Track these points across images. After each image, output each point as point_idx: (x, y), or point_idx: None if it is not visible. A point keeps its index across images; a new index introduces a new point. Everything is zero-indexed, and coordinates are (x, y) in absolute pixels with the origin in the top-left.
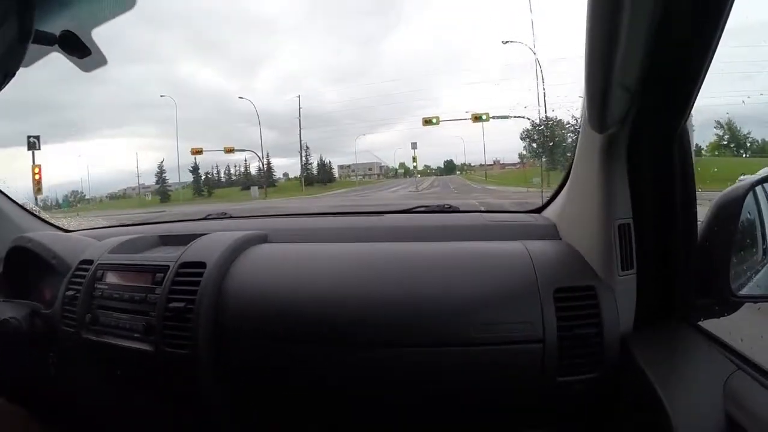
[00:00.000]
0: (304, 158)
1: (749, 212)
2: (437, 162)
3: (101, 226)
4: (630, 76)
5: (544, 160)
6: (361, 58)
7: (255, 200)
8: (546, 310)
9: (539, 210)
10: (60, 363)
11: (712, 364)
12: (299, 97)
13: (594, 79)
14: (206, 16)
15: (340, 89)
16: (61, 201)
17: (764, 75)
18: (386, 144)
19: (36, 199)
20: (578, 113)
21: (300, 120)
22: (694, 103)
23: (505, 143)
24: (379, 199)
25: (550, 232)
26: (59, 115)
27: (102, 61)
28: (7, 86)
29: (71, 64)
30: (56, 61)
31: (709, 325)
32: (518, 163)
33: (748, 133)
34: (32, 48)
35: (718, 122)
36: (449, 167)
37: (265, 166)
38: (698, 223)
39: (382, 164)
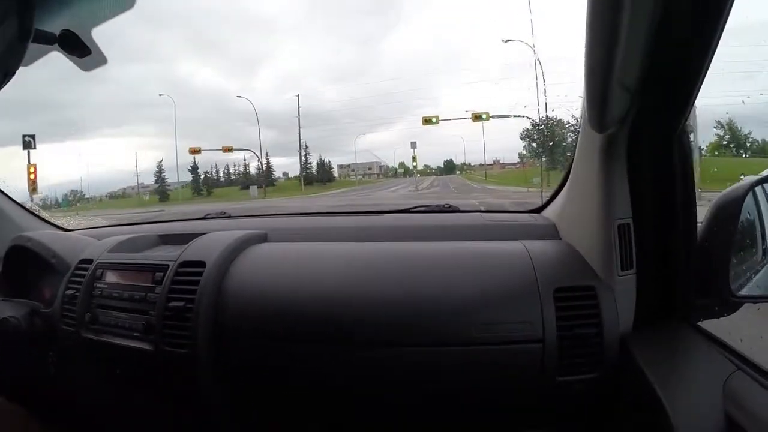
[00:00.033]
0: (303, 157)
1: (749, 212)
2: (437, 161)
3: (101, 225)
4: (630, 76)
5: (543, 159)
6: (360, 58)
7: (253, 200)
8: (546, 309)
9: (539, 210)
10: (59, 362)
11: (712, 364)
12: (298, 96)
13: (594, 78)
14: (205, 15)
15: (339, 88)
16: (60, 200)
17: (765, 74)
18: (386, 143)
19: (31, 198)
20: (578, 113)
21: (299, 119)
22: (693, 103)
23: (504, 143)
24: (378, 198)
25: (550, 232)
26: (59, 114)
27: (102, 61)
28: (7, 85)
29: (71, 64)
30: (56, 60)
31: (709, 325)
32: (518, 162)
33: (749, 133)
34: (32, 47)
35: (719, 122)
36: (449, 167)
37: (264, 165)
38: (698, 223)
39: (382, 164)
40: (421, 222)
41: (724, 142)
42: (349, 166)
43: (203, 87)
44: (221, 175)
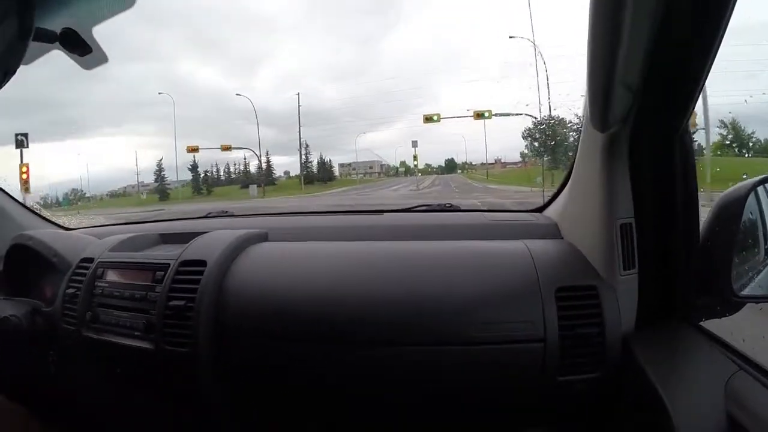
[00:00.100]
0: (304, 156)
1: (751, 212)
2: (438, 160)
3: (102, 224)
4: (632, 75)
5: (545, 159)
6: (360, 56)
7: (252, 199)
8: (547, 309)
9: (541, 209)
10: (60, 361)
11: (714, 364)
12: (299, 94)
13: (596, 77)
14: (206, 14)
15: (340, 87)
16: (61, 199)
17: (767, 74)
18: (387, 142)
19: (24, 198)
20: (580, 112)
21: (299, 118)
22: (696, 102)
23: (506, 142)
24: (378, 198)
25: (552, 232)
26: (59, 113)
27: (103, 59)
28: (7, 84)
29: (72, 62)
30: (57, 58)
31: (711, 325)
32: (520, 161)
33: (752, 132)
34: (33, 45)
35: (722, 121)
36: (450, 166)
37: (264, 164)
38: (700, 223)
39: (383, 162)
40: (422, 221)
41: (727, 142)
42: (350, 164)
43: (203, 86)
44: (221, 174)
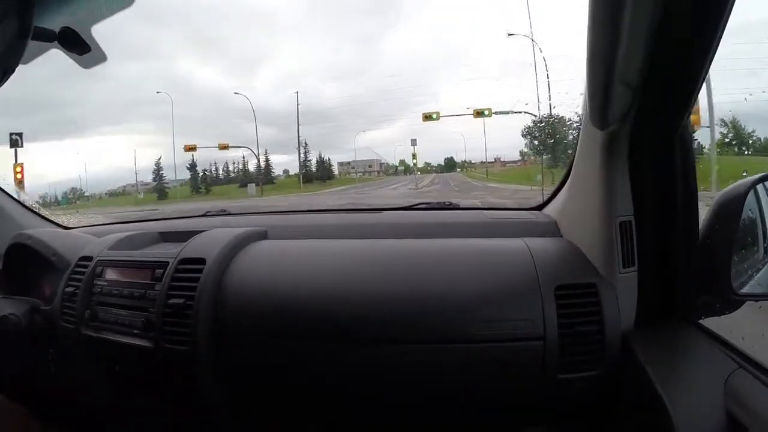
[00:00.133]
0: (303, 155)
1: (750, 210)
2: (438, 159)
3: (101, 223)
4: (631, 73)
5: (544, 157)
6: (360, 55)
7: (250, 198)
8: (547, 307)
9: (540, 207)
10: (59, 359)
11: (713, 362)
12: (297, 93)
13: (595, 75)
14: (205, 13)
15: (339, 86)
16: (60, 198)
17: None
18: (386, 141)
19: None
20: (580, 110)
21: (298, 116)
22: (695, 100)
23: (505, 140)
24: (376, 197)
25: (551, 230)
26: (58, 112)
27: (101, 58)
28: (6, 83)
29: (71, 61)
30: (55, 57)
31: (710, 323)
32: (519, 160)
33: (753, 131)
34: (32, 44)
35: (722, 120)
36: (450, 164)
37: (262, 163)
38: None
39: (382, 161)
40: (422, 219)
41: (727, 140)
42: (349, 163)
43: (203, 85)
44: (220, 173)
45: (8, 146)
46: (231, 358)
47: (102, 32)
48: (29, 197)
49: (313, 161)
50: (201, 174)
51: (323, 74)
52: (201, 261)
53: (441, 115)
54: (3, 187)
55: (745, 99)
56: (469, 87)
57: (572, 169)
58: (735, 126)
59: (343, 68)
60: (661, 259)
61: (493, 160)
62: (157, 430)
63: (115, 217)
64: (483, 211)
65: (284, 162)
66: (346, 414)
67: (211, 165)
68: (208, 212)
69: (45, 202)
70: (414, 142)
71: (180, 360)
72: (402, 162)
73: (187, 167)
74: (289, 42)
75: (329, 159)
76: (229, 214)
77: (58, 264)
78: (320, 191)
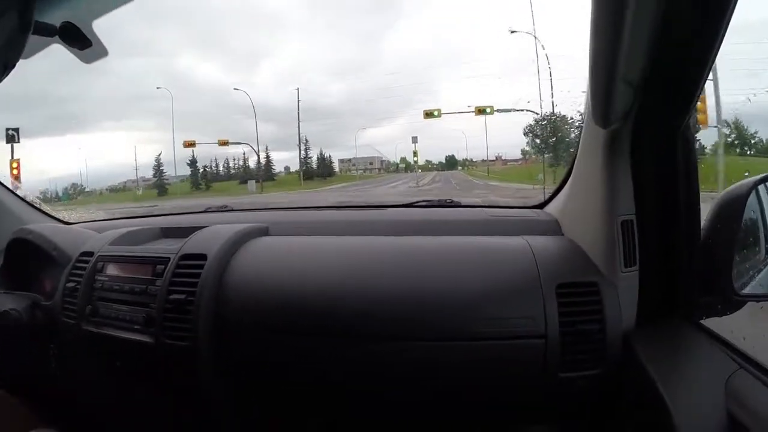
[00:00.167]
0: (304, 152)
1: (752, 211)
2: (439, 157)
3: (102, 218)
4: (633, 72)
5: (546, 156)
6: (361, 52)
7: (250, 195)
8: (548, 305)
9: (542, 206)
10: (60, 355)
11: (714, 362)
12: (298, 89)
13: (597, 74)
14: (206, 9)
15: (341, 83)
16: (60, 194)
17: None
18: (387, 138)
19: None
20: (582, 108)
21: (299, 113)
22: (698, 99)
23: (506, 139)
24: (374, 196)
25: (553, 228)
26: (59, 107)
27: (103, 53)
28: (6, 78)
29: (72, 56)
30: (57, 52)
31: (712, 323)
32: (520, 158)
33: (755, 132)
34: (32, 39)
35: (725, 121)
36: (451, 162)
37: (263, 159)
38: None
39: (383, 158)
40: (423, 216)
41: (729, 140)
42: (350, 160)
43: (204, 81)
44: (221, 169)
45: (5, 142)
46: (232, 354)
47: (103, 27)
48: (27, 193)
49: (314, 158)
50: (201, 170)
51: (325, 71)
52: (202, 257)
53: (442, 112)
54: (4, 183)
55: (749, 99)
56: (470, 85)
57: (574, 167)
58: (738, 127)
59: (344, 65)
60: (663, 258)
61: (494, 159)
62: (157, 425)
63: (111, 215)
64: (484, 208)
65: (285, 159)
66: (347, 410)
67: (211, 161)
68: (209, 208)
69: (45, 198)
70: (415, 140)
71: (181, 356)
72: (403, 159)
73: (188, 163)
74: (291, 38)
75: (330, 156)
76: (231, 210)
77: (59, 259)
78: (320, 188)
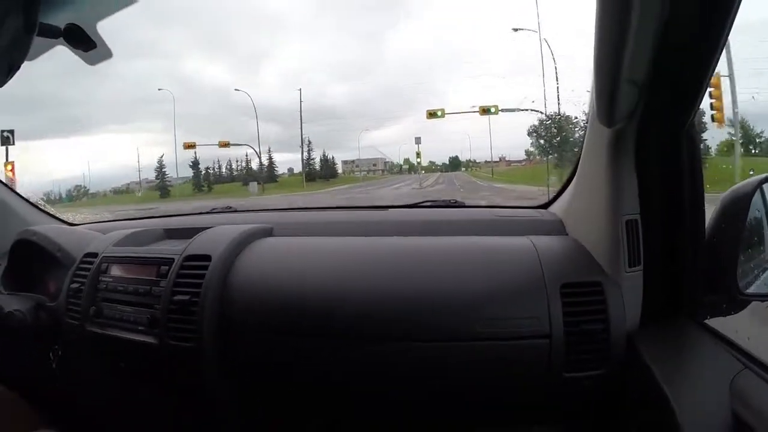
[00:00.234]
0: (307, 153)
1: (757, 210)
2: (442, 158)
3: (106, 219)
4: (638, 72)
5: (549, 157)
6: (365, 53)
7: (251, 196)
8: (552, 305)
9: (546, 205)
10: (64, 356)
11: (719, 362)
12: (300, 90)
13: (602, 73)
14: (212, 11)
15: (344, 84)
16: (64, 195)
17: None
18: (391, 140)
19: None
20: (587, 108)
21: (301, 114)
22: (702, 98)
23: (510, 140)
24: (377, 199)
25: (557, 228)
26: (64, 110)
27: (107, 54)
28: (12, 80)
29: (77, 58)
30: (61, 54)
31: (716, 323)
32: (524, 159)
33: (761, 132)
34: (37, 41)
35: (730, 120)
36: (454, 163)
37: (265, 161)
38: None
39: (387, 160)
40: (427, 217)
41: (734, 140)
42: (353, 162)
43: (209, 82)
44: (223, 170)
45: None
46: (236, 355)
47: (107, 29)
48: (30, 195)
49: (318, 160)
50: (204, 172)
51: (328, 72)
52: (206, 258)
53: (446, 112)
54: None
55: (753, 97)
56: (474, 85)
57: (578, 166)
58: (743, 126)
59: (348, 66)
60: (667, 257)
61: (498, 160)
62: (160, 427)
63: (114, 217)
64: (488, 209)
65: (288, 160)
66: (350, 411)
67: (214, 163)
68: (213, 209)
69: (49, 200)
70: (418, 140)
71: (185, 357)
72: (406, 161)
73: (190, 165)
74: (294, 40)
75: (333, 157)
76: (235, 211)
77: (63, 260)
78: (323, 190)
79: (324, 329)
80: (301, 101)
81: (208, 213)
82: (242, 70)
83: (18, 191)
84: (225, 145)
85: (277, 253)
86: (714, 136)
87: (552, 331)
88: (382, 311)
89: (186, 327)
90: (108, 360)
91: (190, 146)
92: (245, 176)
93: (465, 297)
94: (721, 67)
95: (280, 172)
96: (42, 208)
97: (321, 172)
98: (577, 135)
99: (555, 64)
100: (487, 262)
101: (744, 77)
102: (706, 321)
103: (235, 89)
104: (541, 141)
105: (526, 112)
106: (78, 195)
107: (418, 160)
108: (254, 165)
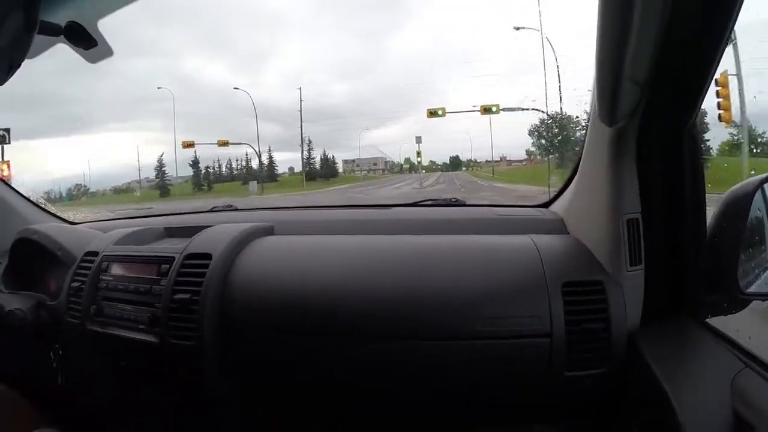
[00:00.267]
0: (307, 153)
1: (758, 209)
2: (443, 157)
3: (107, 218)
4: (640, 70)
5: (550, 157)
6: (366, 53)
7: (251, 196)
8: (554, 304)
9: (547, 204)
10: (65, 355)
11: (720, 361)
12: (300, 89)
13: (604, 71)
14: (212, 9)
15: (345, 84)
16: (64, 194)
17: None
18: (391, 139)
19: None
20: (588, 107)
21: (301, 113)
22: (704, 97)
23: (511, 140)
24: (378, 199)
25: (558, 227)
26: (65, 108)
27: (108, 52)
28: (12, 78)
29: (77, 56)
30: (62, 52)
31: (717, 322)
32: (525, 159)
33: (763, 132)
34: (38, 39)
35: (735, 120)
36: (455, 163)
37: (265, 160)
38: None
39: (387, 159)
40: (428, 215)
41: (736, 139)
42: (354, 161)
43: (209, 82)
44: (224, 169)
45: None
46: (237, 353)
47: (108, 27)
48: (32, 194)
49: (318, 159)
50: (204, 171)
51: (328, 72)
52: (207, 256)
53: (447, 111)
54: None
55: (755, 97)
56: (475, 85)
57: (579, 165)
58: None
59: (348, 65)
60: (668, 256)
61: (499, 159)
62: (161, 425)
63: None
64: (489, 207)
65: (289, 159)
66: (352, 409)
67: (214, 162)
68: (214, 208)
69: (49, 198)
70: (418, 140)
71: (186, 355)
72: (407, 160)
73: (190, 164)
74: (295, 39)
75: (334, 157)
76: (236, 209)
77: (63, 259)
78: (323, 189)
79: (327, 327)
80: (301, 100)
81: (208, 211)
82: (242, 69)
83: (18, 190)
84: (224, 144)
85: (278, 252)
86: (716, 136)
87: (553, 330)
88: (383, 310)
89: (187, 325)
90: (109, 359)
91: (189, 145)
92: (245, 175)
93: (466, 296)
94: (729, 66)
95: (281, 171)
96: (42, 206)
97: (321, 172)
98: (578, 134)
99: (557, 62)
100: (488, 260)
101: (744, 77)
102: (707, 320)
103: (235, 88)
104: (542, 140)
105: (528, 111)
106: (78, 194)
107: (419, 159)
108: (254, 164)
